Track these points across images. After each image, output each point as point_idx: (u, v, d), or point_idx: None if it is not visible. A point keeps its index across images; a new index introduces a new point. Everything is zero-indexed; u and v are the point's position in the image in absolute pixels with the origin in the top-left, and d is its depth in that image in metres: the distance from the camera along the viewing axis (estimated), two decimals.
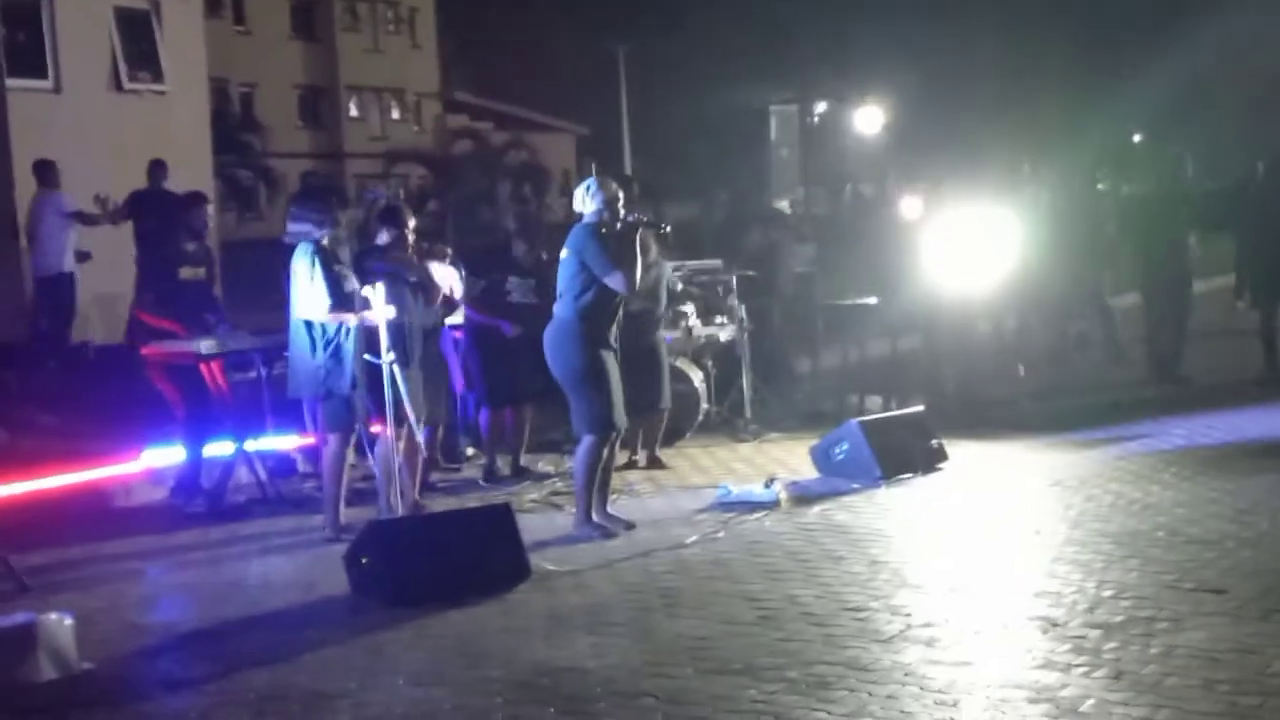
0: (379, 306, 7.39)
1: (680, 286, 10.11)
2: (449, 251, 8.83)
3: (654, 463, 9.54)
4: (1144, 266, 12.52)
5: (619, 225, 7.63)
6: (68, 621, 5.78)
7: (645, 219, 7.93)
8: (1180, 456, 9.14)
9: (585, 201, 7.70)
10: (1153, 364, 12.19)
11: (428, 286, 8.24)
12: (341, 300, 7.54)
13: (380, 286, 7.41)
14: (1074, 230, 12.98)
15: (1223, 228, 12.74)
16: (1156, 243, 12.16)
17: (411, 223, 8.26)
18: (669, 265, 9.74)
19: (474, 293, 9.19)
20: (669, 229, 8.58)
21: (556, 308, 7.72)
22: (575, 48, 42.96)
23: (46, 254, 12.00)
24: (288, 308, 7.81)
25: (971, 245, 10.66)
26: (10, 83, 12.53)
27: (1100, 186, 14.53)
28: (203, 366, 8.59)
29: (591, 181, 7.85)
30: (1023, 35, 36.45)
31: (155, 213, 11.88)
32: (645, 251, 8.35)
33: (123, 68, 13.36)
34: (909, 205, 11.66)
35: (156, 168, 12.34)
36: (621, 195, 7.76)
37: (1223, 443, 9.54)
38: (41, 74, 12.99)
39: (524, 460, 9.51)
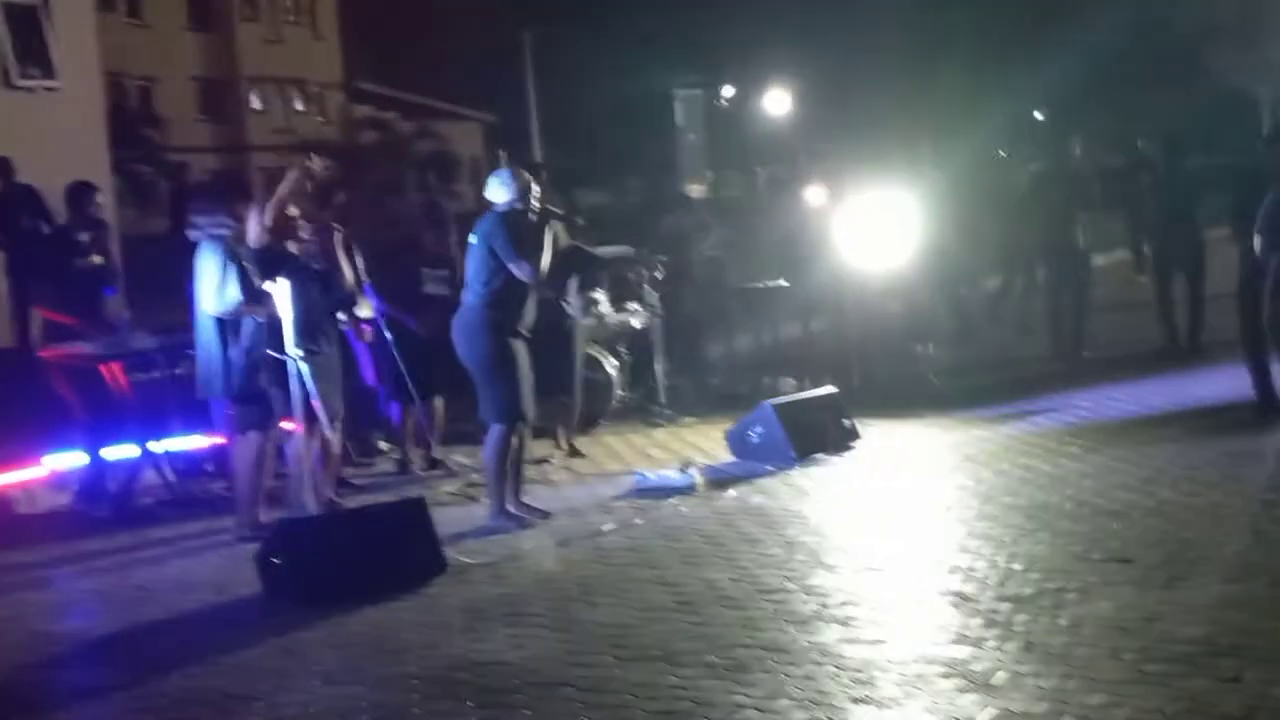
0: (284, 300, 7.29)
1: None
2: (340, 229, 8.59)
3: (573, 452, 9.50)
4: (1039, 242, 12.71)
5: (530, 216, 7.60)
6: None
7: (557, 211, 7.90)
8: (1086, 429, 9.30)
9: (498, 190, 7.66)
10: (1053, 339, 12.37)
11: (329, 272, 8.12)
12: (254, 295, 7.43)
13: (283, 280, 7.30)
14: (976, 203, 13.15)
15: (1115, 205, 12.98)
16: (1050, 219, 12.31)
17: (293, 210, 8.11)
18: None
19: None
20: (581, 221, 8.56)
21: (465, 295, 7.68)
22: (481, 35, 42.69)
23: None
24: (192, 305, 7.68)
25: (876, 227, 10.75)
26: None
27: (1002, 154, 14.75)
28: (103, 367, 8.43)
29: (505, 171, 7.81)
30: (927, 15, 36.82)
31: (24, 208, 11.59)
32: (555, 241, 8.37)
33: (12, 64, 13.04)
34: (816, 188, 11.72)
35: (5, 165, 11.92)
36: (534, 186, 7.72)
37: (1126, 414, 9.72)
38: None
39: (438, 453, 9.44)
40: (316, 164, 8.00)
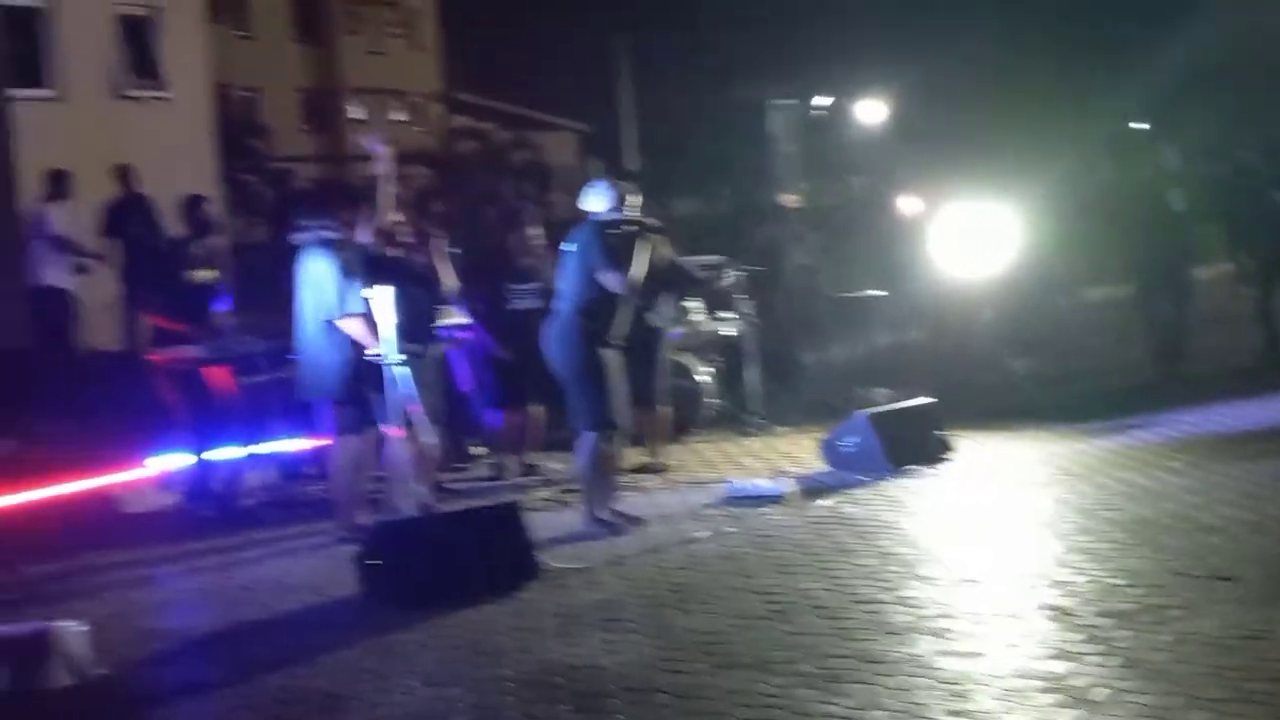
0: (385, 305, 7.40)
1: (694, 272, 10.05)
2: (441, 236, 8.69)
3: (659, 465, 9.40)
4: (1137, 252, 12.43)
5: (626, 227, 7.65)
6: (82, 629, 5.81)
7: (653, 224, 7.94)
8: (1187, 442, 9.13)
9: (596, 200, 7.72)
10: (1151, 351, 12.11)
11: (430, 275, 8.25)
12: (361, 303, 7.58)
13: (385, 285, 7.40)
14: (1073, 212, 12.95)
15: (1216, 215, 12.66)
16: (1145, 228, 12.04)
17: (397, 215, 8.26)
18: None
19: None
20: (674, 230, 8.61)
21: (558, 304, 7.75)
22: (577, 45, 42.93)
23: (37, 266, 11.90)
24: (296, 310, 7.83)
25: (972, 236, 10.67)
26: (13, 93, 12.55)
27: (1098, 162, 14.52)
28: (208, 370, 8.62)
29: (602, 181, 7.89)
30: (1024, 23, 36.38)
31: (135, 216, 11.88)
32: (653, 255, 8.46)
33: (124, 75, 13.38)
34: (912, 197, 11.65)
35: (126, 173, 12.22)
36: (630, 197, 7.77)
37: (1230, 428, 9.53)
38: (44, 83, 13.01)
39: (531, 459, 9.52)
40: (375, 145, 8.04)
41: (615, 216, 7.66)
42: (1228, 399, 10.42)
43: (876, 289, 11.56)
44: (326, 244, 7.70)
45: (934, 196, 11.56)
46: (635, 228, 7.71)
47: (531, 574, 6.82)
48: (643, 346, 9.03)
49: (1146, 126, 31.58)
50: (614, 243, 7.61)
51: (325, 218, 7.79)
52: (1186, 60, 31.11)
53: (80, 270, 12.04)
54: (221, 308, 9.04)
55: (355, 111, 48.11)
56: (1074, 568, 6.44)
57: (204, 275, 9.20)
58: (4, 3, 12.36)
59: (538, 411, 9.50)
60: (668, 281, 9.27)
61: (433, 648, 5.92)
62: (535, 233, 9.65)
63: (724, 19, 42.14)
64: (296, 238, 7.88)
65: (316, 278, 7.63)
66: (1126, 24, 35.93)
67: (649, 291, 8.96)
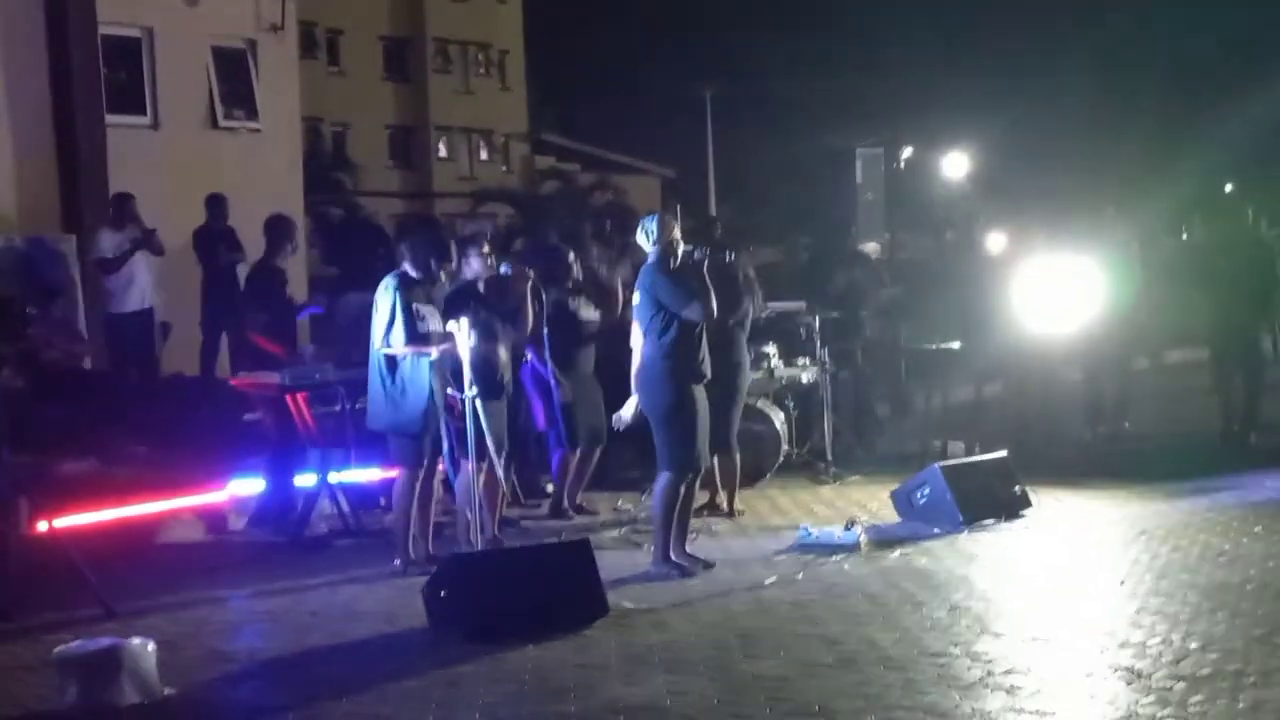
0: (462, 341, 7.45)
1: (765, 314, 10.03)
2: (530, 274, 8.75)
3: (723, 510, 9.33)
4: (1211, 318, 12.17)
5: (682, 261, 7.64)
6: (151, 647, 5.87)
7: (709, 251, 7.91)
8: (1269, 508, 8.95)
9: (644, 237, 7.73)
10: (1223, 420, 11.79)
11: (518, 313, 8.30)
12: (415, 335, 7.62)
13: (464, 321, 7.45)
14: (1155, 273, 12.78)
15: None
16: (1219, 294, 11.80)
17: (486, 248, 8.33)
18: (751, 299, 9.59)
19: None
20: (734, 256, 8.63)
21: (643, 347, 7.74)
22: (663, 90, 43.23)
23: (108, 292, 11.79)
24: (370, 341, 7.91)
25: (1056, 292, 10.56)
26: (110, 119, 12.85)
27: (1184, 226, 14.31)
28: (288, 398, 8.73)
29: (648, 219, 7.85)
30: (1110, 80, 36.12)
31: (223, 244, 12.05)
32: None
33: (219, 106, 13.66)
34: (996, 251, 11.53)
35: (216, 203, 12.34)
36: (677, 227, 7.75)
37: None
38: (140, 110, 13.29)
39: (583, 499, 9.50)
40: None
41: (669, 253, 7.62)
42: None
43: (957, 341, 11.46)
44: (397, 276, 7.78)
45: (1018, 250, 11.45)
46: (696, 261, 7.67)
47: (599, 613, 6.80)
48: (722, 389, 9.02)
49: (1234, 189, 31.16)
50: (678, 276, 7.59)
51: (422, 252, 7.85)
52: (1275, 121, 30.66)
53: (136, 247, 11.68)
54: (312, 311, 9.14)
55: (441, 150, 48.74)
56: (1148, 629, 6.32)
57: (291, 294, 9.35)
58: (105, 32, 12.66)
59: (593, 453, 9.46)
60: (742, 323, 9.24)
61: (497, 681, 5.92)
62: (600, 269, 9.63)
63: (810, 68, 42.25)
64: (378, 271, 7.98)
65: (385, 310, 7.70)
66: (1219, 86, 35.55)
67: (728, 323, 8.91)
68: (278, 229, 9.97)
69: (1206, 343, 12.67)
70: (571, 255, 9.56)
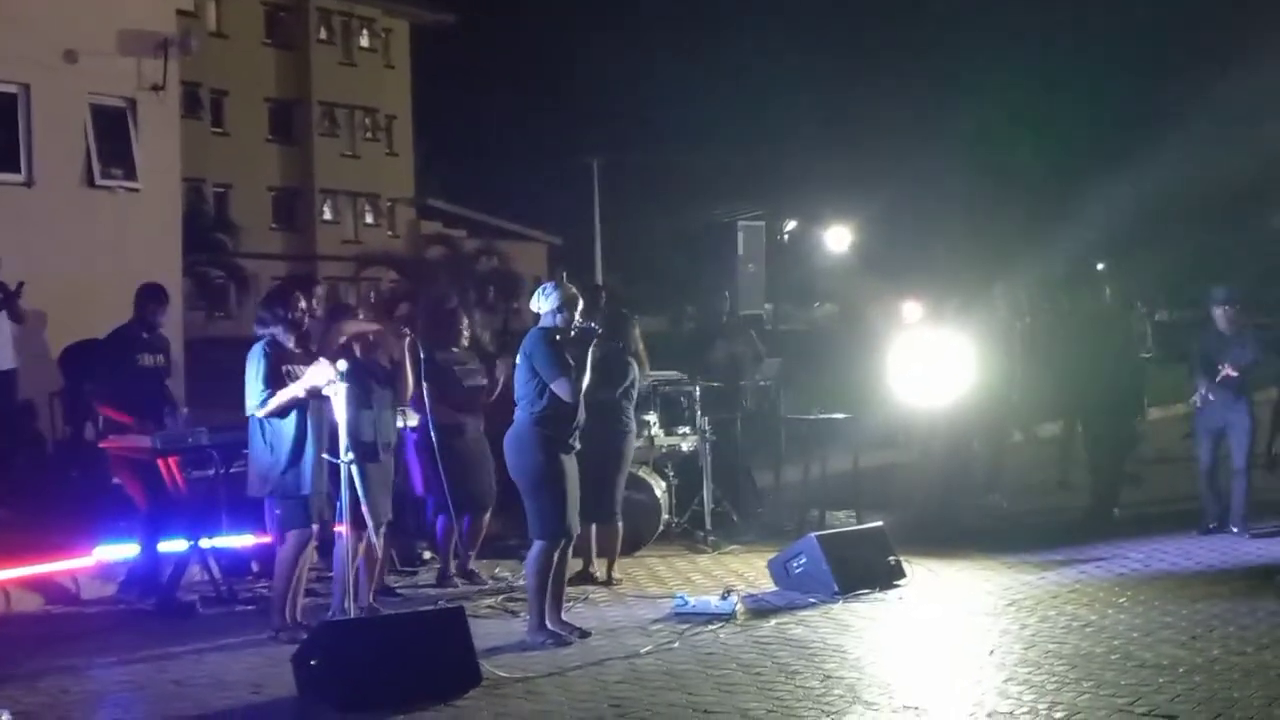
0: (339, 406, 7.38)
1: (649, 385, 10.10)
2: (408, 332, 8.69)
3: (598, 578, 9.31)
4: (1077, 394, 12.42)
5: (573, 332, 7.66)
6: (6, 717, 5.69)
7: (600, 330, 7.95)
8: (1134, 580, 9.18)
9: (541, 302, 7.75)
10: (1091, 494, 11.90)
11: (397, 378, 8.25)
12: (268, 396, 7.52)
13: (341, 386, 7.38)
14: (1027, 348, 13.10)
15: (1175, 359, 12.58)
16: (1085, 371, 12.03)
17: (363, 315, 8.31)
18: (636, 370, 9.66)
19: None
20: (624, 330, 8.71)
21: (516, 413, 7.75)
22: (550, 158, 43.57)
23: None
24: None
25: (932, 364, 10.77)
26: None
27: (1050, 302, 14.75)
28: (160, 462, 8.56)
29: (549, 284, 7.88)
30: (988, 160, 37.11)
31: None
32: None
33: (96, 164, 13.41)
34: (877, 322, 11.73)
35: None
36: (579, 300, 7.78)
37: (1177, 568, 9.59)
38: (14, 168, 13.01)
39: (473, 565, 9.45)
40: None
41: (563, 321, 7.66)
42: (1177, 540, 10.49)
43: (837, 412, 11.62)
44: (264, 339, 7.70)
45: (894, 322, 11.68)
46: (585, 335, 7.71)
47: (472, 682, 6.74)
48: (606, 457, 9.03)
49: (1101, 266, 32.15)
50: (561, 349, 7.61)
51: (276, 314, 7.78)
52: (1148, 202, 31.77)
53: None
54: (164, 403, 8.99)
55: (326, 213, 48.44)
56: (1014, 699, 6.43)
57: (151, 360, 9.18)
58: None
59: (485, 518, 9.45)
60: (628, 392, 9.29)
61: None
62: (467, 333, 9.61)
63: (695, 141, 42.88)
64: (257, 330, 7.88)
65: (251, 373, 7.61)
66: (1091, 163, 36.70)
67: (610, 400, 8.97)
68: (141, 296, 9.73)
69: (1064, 416, 12.96)
70: (465, 320, 9.56)
